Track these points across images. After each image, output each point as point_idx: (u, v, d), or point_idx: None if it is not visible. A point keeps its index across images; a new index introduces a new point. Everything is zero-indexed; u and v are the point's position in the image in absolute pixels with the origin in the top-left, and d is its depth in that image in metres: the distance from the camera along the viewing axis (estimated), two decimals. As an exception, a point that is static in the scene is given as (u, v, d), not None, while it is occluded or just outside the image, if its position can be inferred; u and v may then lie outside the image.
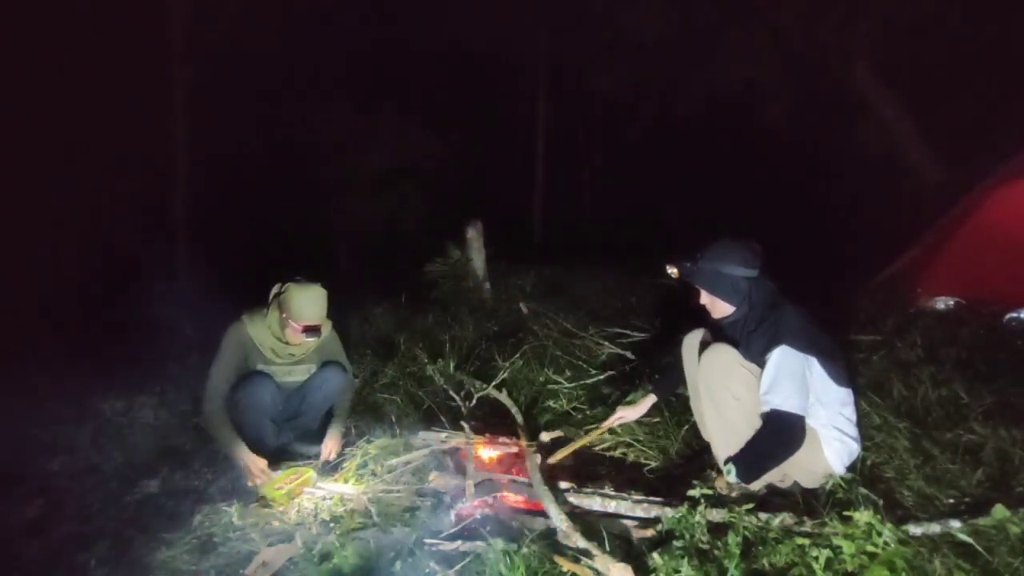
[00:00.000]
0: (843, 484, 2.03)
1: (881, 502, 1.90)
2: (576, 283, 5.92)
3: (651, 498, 2.15)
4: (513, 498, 2.25)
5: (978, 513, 1.85)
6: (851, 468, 2.12)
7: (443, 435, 2.77)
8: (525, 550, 1.82)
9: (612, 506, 2.14)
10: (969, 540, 1.73)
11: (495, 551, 1.82)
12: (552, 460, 2.53)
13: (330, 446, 2.70)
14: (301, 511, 2.32)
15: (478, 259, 5.31)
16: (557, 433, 2.86)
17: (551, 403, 3.28)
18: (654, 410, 2.69)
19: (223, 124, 7.07)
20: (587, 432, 2.79)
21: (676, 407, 2.87)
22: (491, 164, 10.91)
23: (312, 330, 2.63)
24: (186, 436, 2.99)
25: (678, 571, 1.64)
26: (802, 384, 2.02)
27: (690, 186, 10.41)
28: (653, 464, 2.62)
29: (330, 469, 2.63)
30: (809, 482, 2.15)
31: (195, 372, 2.82)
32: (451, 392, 3.32)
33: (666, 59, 7.94)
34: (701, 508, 1.88)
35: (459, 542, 1.95)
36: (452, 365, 3.67)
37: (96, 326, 4.84)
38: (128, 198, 6.49)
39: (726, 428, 2.17)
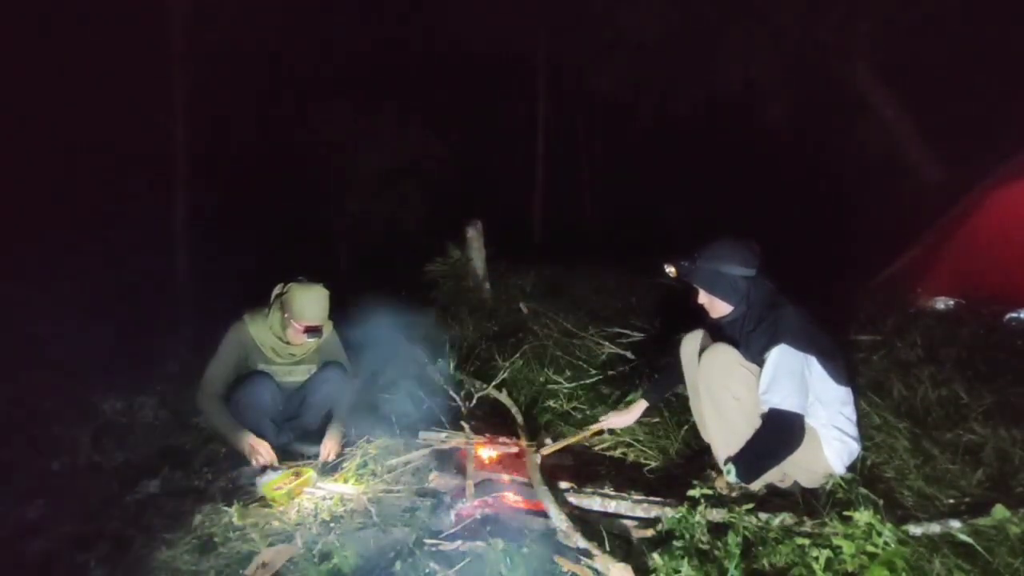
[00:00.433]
0: (843, 484, 2.03)
1: (881, 502, 1.90)
2: (576, 283, 5.92)
3: (651, 498, 2.15)
4: (513, 498, 2.25)
5: (978, 513, 1.85)
6: (851, 468, 2.12)
7: (443, 435, 2.77)
8: (525, 550, 1.82)
9: (612, 506, 2.14)
10: (969, 540, 1.73)
11: (495, 551, 1.82)
12: (542, 453, 2.54)
13: (330, 446, 2.70)
14: (301, 511, 2.32)
15: (478, 259, 5.31)
16: (557, 436, 2.86)
17: (551, 403, 3.28)
18: (654, 410, 2.69)
19: (223, 124, 7.08)
20: (581, 431, 2.79)
21: (676, 407, 2.87)
22: (491, 164, 10.91)
23: (313, 330, 2.63)
24: (186, 436, 2.99)
25: (678, 571, 1.64)
26: (801, 383, 2.02)
27: (690, 186, 10.42)
28: (653, 464, 2.62)
29: (330, 469, 2.63)
30: (809, 482, 2.15)
31: (195, 372, 2.82)
32: (451, 392, 3.32)
33: (666, 59, 7.94)
34: (701, 508, 1.88)
35: (459, 542, 1.95)
36: (452, 365, 3.67)
37: (96, 326, 4.83)
38: (127, 198, 6.49)
39: (726, 428, 2.17)
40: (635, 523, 2.08)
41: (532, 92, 10.67)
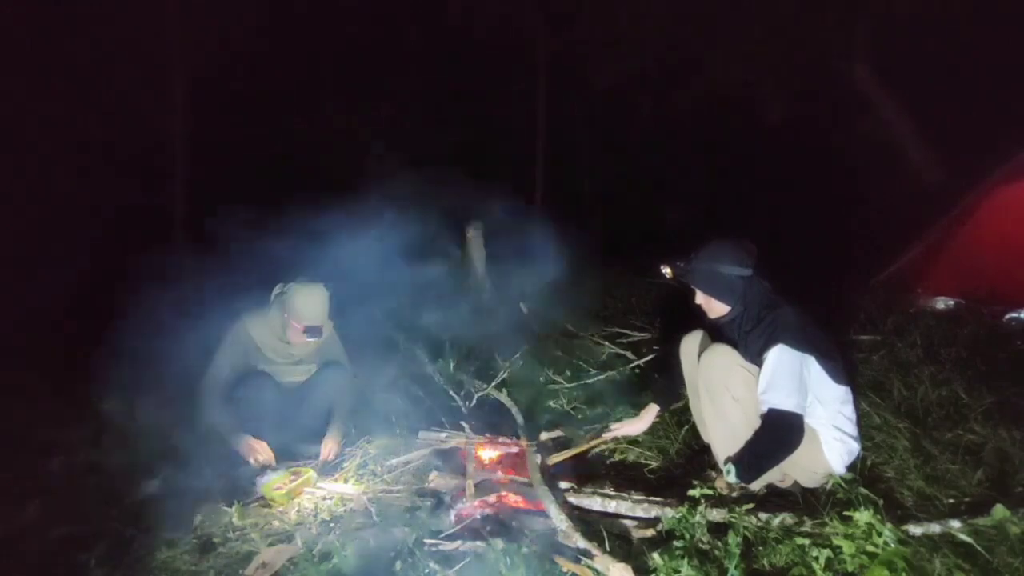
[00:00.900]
0: (843, 484, 2.03)
1: (881, 502, 1.90)
2: (576, 283, 5.91)
3: (651, 498, 2.15)
4: (513, 498, 2.25)
5: (978, 513, 1.85)
6: (851, 468, 2.12)
7: (443, 435, 2.77)
8: (525, 550, 1.82)
9: (612, 506, 2.14)
10: (969, 540, 1.73)
11: (495, 551, 1.82)
12: (551, 461, 2.53)
13: (330, 446, 2.70)
14: (301, 511, 2.32)
15: (478, 259, 5.31)
16: (557, 433, 2.86)
17: (551, 403, 3.28)
18: (664, 414, 2.69)
19: (221, 122, 7.07)
20: (589, 437, 2.78)
21: (676, 407, 2.87)
22: (491, 163, 10.90)
23: (313, 330, 2.63)
24: (186, 436, 2.99)
25: (678, 571, 1.64)
26: (800, 383, 2.03)
27: (690, 185, 10.41)
28: (653, 464, 2.62)
29: (330, 469, 2.63)
30: (809, 482, 2.15)
31: (195, 372, 2.82)
32: (451, 392, 3.32)
33: (667, 58, 7.95)
34: (701, 508, 1.89)
35: (459, 542, 1.95)
36: (452, 365, 3.67)
37: (96, 326, 4.83)
38: (127, 197, 6.48)
39: (726, 428, 2.17)
40: (635, 523, 2.08)
41: (532, 91, 10.67)
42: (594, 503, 2.17)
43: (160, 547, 2.09)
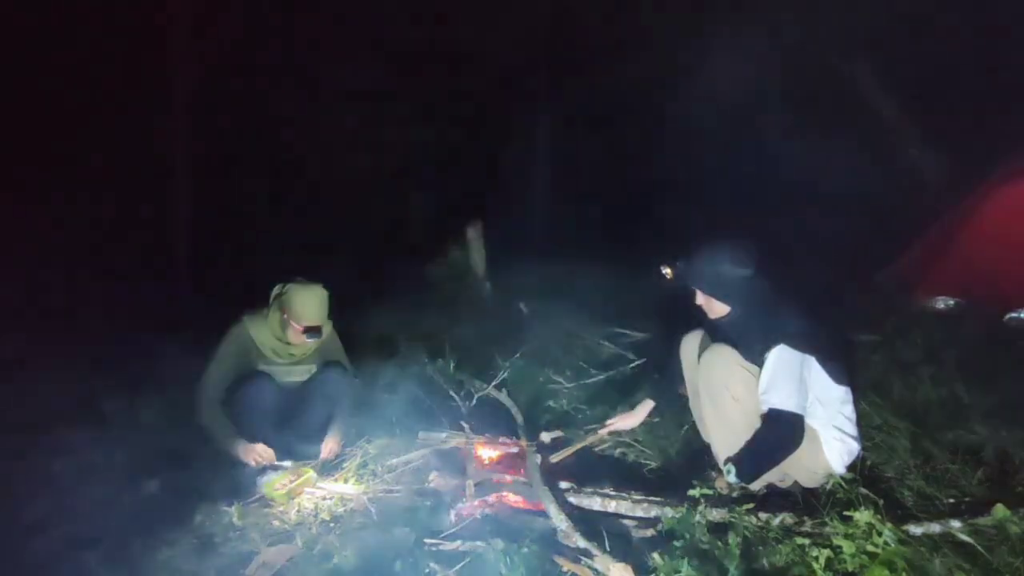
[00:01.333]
0: (843, 484, 2.03)
1: (881, 502, 1.90)
2: (576, 283, 5.91)
3: (651, 498, 2.15)
4: (513, 498, 2.25)
5: (978, 513, 1.85)
6: (851, 468, 2.12)
7: (443, 435, 2.77)
8: (525, 550, 1.82)
9: (612, 506, 2.14)
10: (969, 540, 1.73)
11: (495, 551, 1.82)
12: (553, 459, 2.53)
13: (330, 446, 2.70)
14: (301, 511, 2.32)
15: (478, 259, 5.32)
16: (557, 433, 2.86)
17: (551, 403, 3.28)
18: (654, 411, 2.69)
19: (220, 124, 7.07)
20: (587, 433, 2.78)
21: (676, 407, 2.87)
22: (491, 164, 10.90)
23: (313, 331, 2.63)
24: (186, 436, 2.99)
25: (678, 571, 1.64)
26: (800, 383, 2.03)
27: (690, 185, 10.40)
28: (653, 464, 2.62)
29: (330, 469, 2.63)
30: (809, 482, 2.15)
31: (196, 372, 2.82)
32: (451, 392, 3.32)
33: (667, 57, 7.95)
34: (701, 508, 1.89)
35: (459, 542, 1.95)
36: (452, 365, 3.67)
37: (96, 326, 4.83)
38: (126, 198, 6.48)
39: (726, 428, 2.17)
40: (635, 523, 2.08)
41: (532, 91, 10.67)
42: (594, 503, 2.16)
43: (160, 547, 2.09)
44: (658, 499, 2.14)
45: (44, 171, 6.08)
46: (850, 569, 1.63)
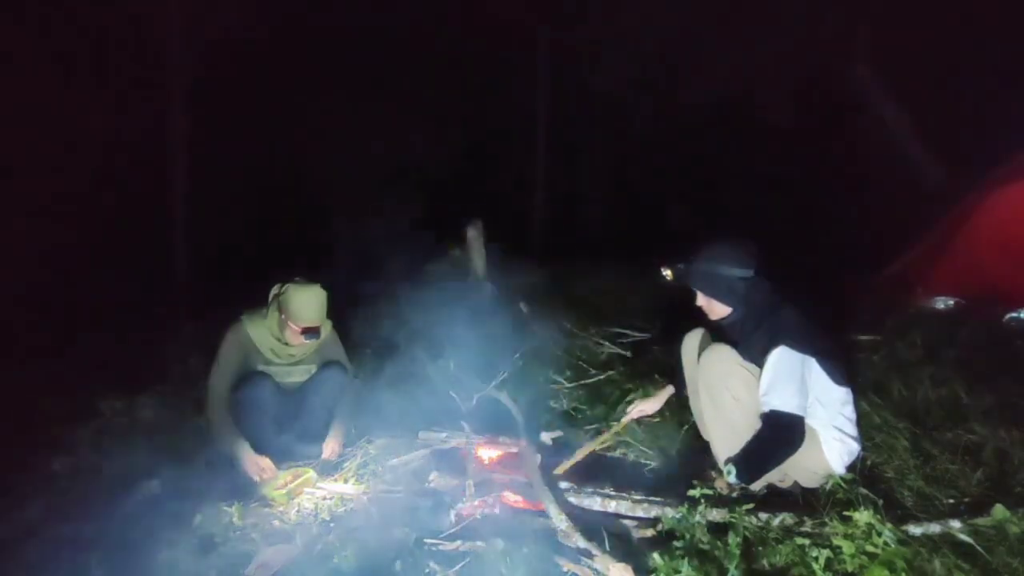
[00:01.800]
0: (843, 484, 2.03)
1: (881, 502, 1.91)
2: (576, 283, 5.91)
3: (651, 498, 2.15)
4: (513, 498, 2.25)
5: (978, 513, 1.85)
6: (851, 468, 2.12)
7: (443, 435, 2.77)
8: (525, 550, 1.82)
9: (612, 506, 2.14)
10: (969, 540, 1.73)
11: (495, 551, 1.82)
12: (570, 462, 2.49)
13: (330, 446, 2.70)
14: (301, 511, 2.32)
15: (478, 259, 5.32)
16: (557, 433, 2.86)
17: (551, 403, 3.28)
18: (672, 398, 2.69)
19: (219, 124, 7.07)
20: (609, 427, 2.76)
21: (676, 407, 2.87)
22: (491, 164, 10.89)
23: (311, 331, 2.63)
24: (186, 436, 2.99)
25: (678, 571, 1.65)
26: (801, 384, 2.03)
27: (691, 185, 10.40)
28: (653, 464, 2.62)
29: (330, 469, 2.63)
30: (809, 482, 2.15)
31: (195, 372, 2.82)
32: (451, 392, 3.31)
33: (667, 57, 7.95)
34: (701, 508, 1.89)
35: (459, 542, 1.95)
36: (452, 365, 3.67)
37: (96, 326, 4.83)
38: (126, 198, 6.48)
39: (726, 428, 2.17)
40: (635, 523, 2.08)
41: (533, 91, 10.67)
42: (594, 503, 2.16)
43: (160, 547, 2.09)
44: (658, 499, 2.14)
45: (42, 163, 6.08)
46: (850, 569, 1.64)
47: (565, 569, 1.76)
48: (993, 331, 3.52)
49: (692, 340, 2.41)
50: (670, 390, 2.63)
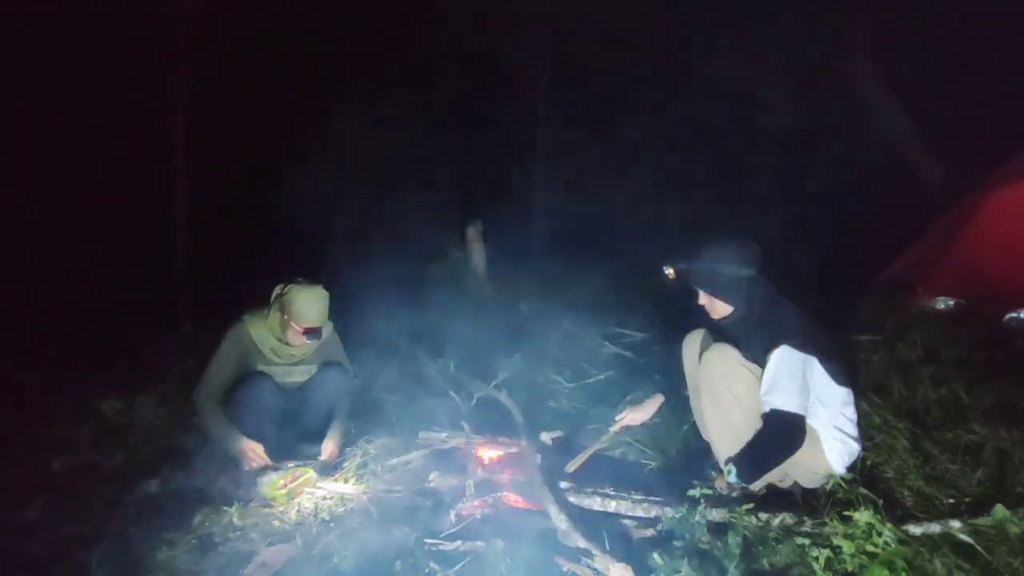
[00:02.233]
0: (843, 484, 2.03)
1: (881, 502, 1.91)
2: (576, 283, 5.91)
3: (651, 498, 2.16)
4: (513, 498, 2.25)
5: (978, 513, 1.85)
6: (851, 468, 2.12)
7: (443, 435, 2.77)
8: (525, 550, 1.82)
9: (612, 506, 2.14)
10: (969, 540, 1.73)
11: (495, 551, 1.82)
12: (569, 468, 2.47)
13: (330, 446, 2.70)
14: (301, 511, 2.32)
15: (478, 259, 5.32)
16: (557, 433, 2.86)
17: (551, 403, 3.28)
18: (663, 406, 2.68)
19: (220, 122, 7.07)
20: (599, 434, 2.75)
21: (676, 407, 2.87)
22: (491, 164, 10.90)
23: (313, 332, 2.63)
24: (186, 436, 2.99)
25: (678, 571, 1.65)
26: (802, 384, 2.03)
27: (690, 185, 10.40)
28: (653, 464, 2.62)
29: (330, 469, 2.63)
30: (809, 482, 2.15)
31: (195, 372, 2.82)
32: (451, 392, 3.32)
33: (667, 57, 7.96)
34: (701, 508, 1.89)
35: (459, 542, 1.95)
36: (452, 365, 3.67)
37: (96, 326, 4.84)
38: (127, 198, 6.48)
39: (726, 428, 2.17)
40: (635, 523, 2.08)
41: (532, 91, 10.67)
42: (594, 503, 2.16)
43: (160, 547, 2.09)
44: (658, 499, 2.14)
45: (43, 163, 6.08)
46: (850, 569, 1.64)
47: (565, 569, 1.76)
48: (993, 331, 3.52)
49: (693, 340, 2.41)
50: (660, 399, 2.59)
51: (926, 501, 2.07)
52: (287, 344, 2.72)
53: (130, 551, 2.10)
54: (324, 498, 2.39)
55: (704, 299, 2.26)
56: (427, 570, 1.84)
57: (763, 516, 1.91)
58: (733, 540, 1.72)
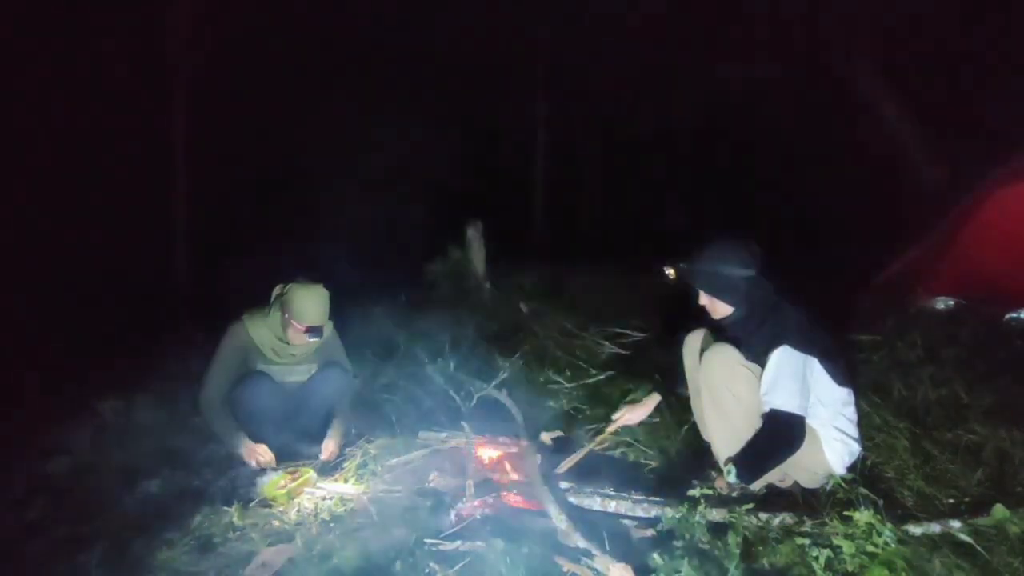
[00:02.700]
0: (843, 484, 2.03)
1: (881, 502, 1.90)
2: (576, 283, 5.92)
3: (651, 498, 2.15)
4: (513, 498, 2.25)
5: (978, 513, 1.85)
6: (851, 468, 2.12)
7: (443, 435, 2.77)
8: (525, 550, 1.82)
9: (612, 506, 2.14)
10: (969, 540, 1.73)
11: (495, 551, 1.82)
12: (560, 469, 2.49)
13: (330, 446, 2.69)
14: (301, 511, 2.32)
15: (478, 259, 5.32)
16: (557, 433, 2.86)
17: (551, 403, 3.28)
18: (655, 410, 2.69)
19: (221, 124, 7.07)
20: (596, 434, 2.76)
21: (676, 407, 2.87)
22: (491, 164, 10.90)
23: (314, 331, 2.63)
24: (186, 436, 2.99)
25: (678, 571, 1.64)
26: (803, 384, 2.03)
27: (691, 185, 10.41)
28: (653, 464, 2.62)
29: (330, 469, 2.63)
30: (809, 482, 2.15)
31: (196, 372, 2.82)
32: (451, 392, 3.32)
33: (667, 58, 7.96)
34: (701, 508, 1.89)
35: (459, 542, 1.95)
36: (452, 365, 3.67)
37: (96, 326, 4.84)
38: (127, 198, 6.48)
39: (726, 428, 2.17)
40: (635, 523, 2.08)
41: (532, 91, 10.68)
42: (594, 503, 2.16)
43: (160, 547, 2.09)
44: (658, 499, 2.14)
45: (43, 163, 6.08)
46: (850, 569, 1.64)
47: (565, 569, 1.76)
48: (993, 331, 3.52)
49: (694, 340, 2.41)
50: (656, 399, 2.59)
51: (926, 501, 2.07)
52: (287, 343, 2.73)
53: (130, 551, 2.09)
54: (324, 498, 2.39)
55: (705, 299, 2.26)
56: (427, 570, 1.84)
57: (763, 516, 1.91)
58: (733, 540, 1.72)
